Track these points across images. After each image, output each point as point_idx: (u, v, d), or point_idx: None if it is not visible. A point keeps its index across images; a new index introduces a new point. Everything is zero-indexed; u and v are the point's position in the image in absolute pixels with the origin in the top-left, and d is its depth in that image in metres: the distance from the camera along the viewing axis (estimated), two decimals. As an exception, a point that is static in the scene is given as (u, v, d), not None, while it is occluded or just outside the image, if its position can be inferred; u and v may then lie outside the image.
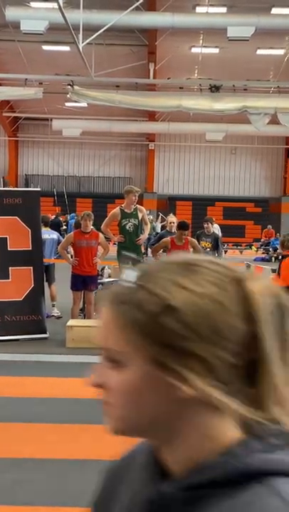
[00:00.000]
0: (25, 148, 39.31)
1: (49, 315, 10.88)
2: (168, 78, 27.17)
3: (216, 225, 28.96)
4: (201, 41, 26.15)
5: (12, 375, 7.55)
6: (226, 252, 27.96)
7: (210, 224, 12.89)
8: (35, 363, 8.23)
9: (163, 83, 27.27)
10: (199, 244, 12.46)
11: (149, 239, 15.50)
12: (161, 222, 28.48)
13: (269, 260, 25.77)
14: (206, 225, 12.77)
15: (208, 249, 12.52)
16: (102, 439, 5.48)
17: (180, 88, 26.60)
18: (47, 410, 6.20)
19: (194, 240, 10.56)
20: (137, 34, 24.69)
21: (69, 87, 23.57)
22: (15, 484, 4.53)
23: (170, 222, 12.15)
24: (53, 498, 4.36)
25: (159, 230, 24.89)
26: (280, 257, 8.73)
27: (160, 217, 31.32)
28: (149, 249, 21.26)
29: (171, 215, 13.38)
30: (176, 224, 11.22)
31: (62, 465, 4.89)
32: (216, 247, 12.64)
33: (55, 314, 11.28)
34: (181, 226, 10.07)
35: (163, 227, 20.35)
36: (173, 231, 11.57)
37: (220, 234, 28.70)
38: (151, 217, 24.59)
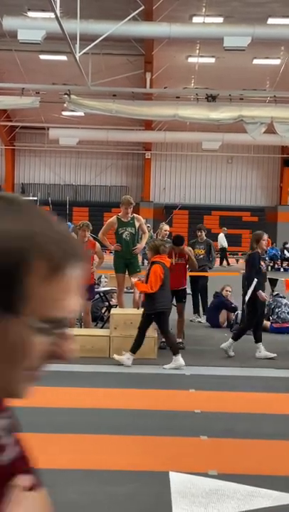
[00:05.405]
0: (21, 157, 39.33)
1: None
2: (164, 87, 27.24)
3: (221, 235, 29.13)
4: (197, 51, 26.25)
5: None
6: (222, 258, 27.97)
7: (203, 232, 13.04)
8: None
9: (160, 92, 27.34)
10: (193, 251, 12.57)
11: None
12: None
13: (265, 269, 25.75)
14: (198, 233, 13.01)
15: (201, 256, 12.63)
16: (103, 449, 5.47)
17: (176, 97, 26.67)
18: (46, 420, 6.17)
19: (189, 251, 10.57)
20: (134, 44, 24.77)
21: (66, 96, 23.63)
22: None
23: (164, 230, 12.23)
24: (54, 509, 4.33)
25: None
26: None
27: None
28: (145, 258, 21.32)
29: (163, 223, 13.45)
30: (168, 232, 11.61)
31: (64, 475, 4.86)
32: (209, 253, 12.85)
33: None
34: (176, 243, 10.03)
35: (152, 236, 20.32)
36: (165, 239, 11.70)
37: (226, 244, 28.93)
38: (149, 226, 24.56)
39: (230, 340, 9.39)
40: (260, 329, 9.45)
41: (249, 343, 10.24)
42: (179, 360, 8.40)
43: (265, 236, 9.45)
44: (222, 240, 29.41)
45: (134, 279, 9.36)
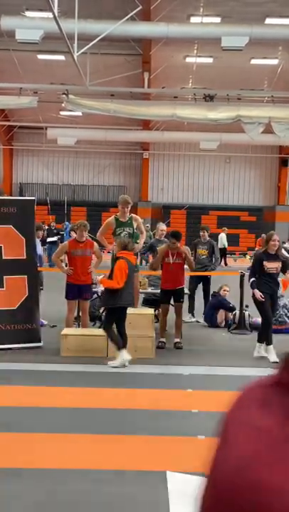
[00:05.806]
0: (19, 156, 39.32)
1: (43, 324, 10.85)
2: (162, 87, 27.27)
3: (222, 235, 29.13)
4: (195, 51, 26.26)
5: (6, 384, 7.53)
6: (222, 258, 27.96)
7: (206, 232, 13.01)
8: (29, 372, 8.20)
9: (157, 92, 27.35)
10: (196, 251, 12.58)
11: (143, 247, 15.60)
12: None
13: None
14: (202, 233, 12.98)
15: (204, 257, 12.62)
16: (101, 449, 5.48)
17: (174, 97, 26.71)
18: (41, 420, 6.18)
19: (186, 250, 10.53)
20: (132, 44, 24.80)
21: (64, 96, 23.63)
22: (10, 495, 4.50)
23: (161, 230, 12.24)
24: (47, 509, 4.34)
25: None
26: None
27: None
28: (143, 259, 21.31)
29: (160, 223, 13.47)
30: (165, 232, 11.55)
31: (63, 475, 4.87)
32: (212, 254, 12.83)
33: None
34: (174, 235, 10.09)
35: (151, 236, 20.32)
36: (162, 239, 11.70)
37: (226, 244, 28.94)
38: (148, 226, 24.56)
39: (257, 344, 9.40)
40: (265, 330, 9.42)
41: (248, 343, 10.25)
42: (124, 356, 8.44)
43: (275, 237, 9.43)
44: (223, 240, 29.46)
45: (99, 277, 9.43)
